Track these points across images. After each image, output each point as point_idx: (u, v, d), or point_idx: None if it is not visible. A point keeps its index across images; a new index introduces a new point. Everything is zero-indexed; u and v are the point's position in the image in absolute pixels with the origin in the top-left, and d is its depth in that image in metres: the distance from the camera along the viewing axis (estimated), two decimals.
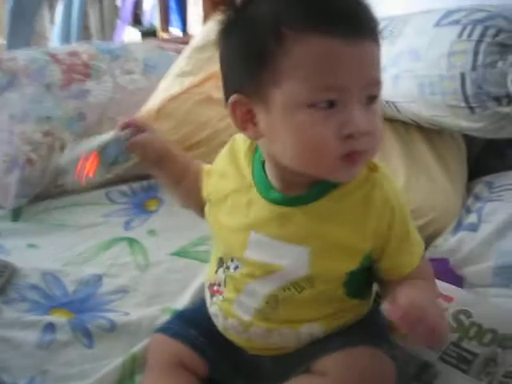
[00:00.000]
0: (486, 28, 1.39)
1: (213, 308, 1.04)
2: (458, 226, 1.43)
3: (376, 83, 0.83)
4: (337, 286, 0.96)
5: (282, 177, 0.92)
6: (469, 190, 1.61)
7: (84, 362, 1.13)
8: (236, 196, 0.97)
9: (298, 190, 0.91)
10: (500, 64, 1.35)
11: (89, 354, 1.15)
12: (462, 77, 1.40)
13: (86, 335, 1.18)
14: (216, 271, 1.03)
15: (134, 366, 1.10)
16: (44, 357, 1.13)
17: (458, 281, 1.26)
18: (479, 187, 1.58)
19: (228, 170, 1.00)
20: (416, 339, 0.84)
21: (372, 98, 0.83)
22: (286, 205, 0.91)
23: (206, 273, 1.10)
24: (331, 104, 0.80)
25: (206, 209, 1.05)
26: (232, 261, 0.99)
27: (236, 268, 0.98)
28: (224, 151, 1.05)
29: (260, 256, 0.94)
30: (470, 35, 1.41)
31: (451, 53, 1.42)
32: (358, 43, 0.79)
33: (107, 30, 3.88)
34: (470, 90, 1.39)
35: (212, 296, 1.05)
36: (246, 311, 0.98)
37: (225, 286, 1.01)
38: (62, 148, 1.67)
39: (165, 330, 1.09)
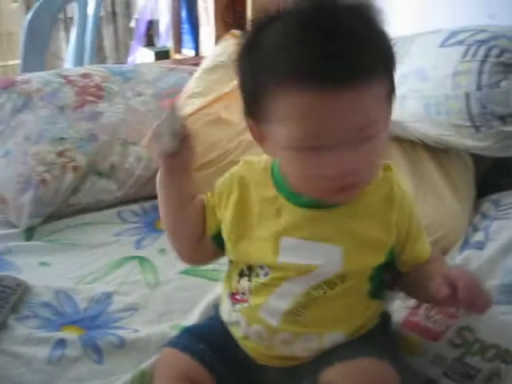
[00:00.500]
0: (490, 48, 1.40)
1: (234, 316, 1.06)
2: (465, 245, 1.43)
3: (367, 126, 0.85)
4: (363, 281, 1.00)
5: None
6: (476, 209, 1.61)
7: (94, 378, 1.14)
8: (260, 209, 1.00)
9: None
10: (504, 83, 1.37)
11: (98, 370, 1.16)
12: (467, 96, 1.41)
13: (96, 351, 1.19)
14: (238, 281, 1.05)
15: (143, 381, 1.11)
16: (54, 372, 1.15)
17: None
18: (486, 205, 1.58)
19: (244, 191, 1.03)
20: (474, 307, 0.89)
21: (366, 138, 0.85)
22: (316, 208, 0.96)
23: (223, 283, 1.12)
24: (316, 148, 0.84)
25: (225, 232, 1.05)
26: (262, 268, 1.01)
27: (266, 274, 1.00)
28: (227, 179, 1.08)
29: (295, 259, 0.97)
30: (474, 55, 1.42)
31: (456, 73, 1.44)
32: (338, 95, 0.81)
33: (121, 50, 3.94)
34: (474, 109, 1.41)
35: (234, 304, 1.06)
36: (274, 315, 1.00)
37: (250, 294, 1.02)
38: (75, 168, 1.69)
39: (174, 344, 1.10)
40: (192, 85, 1.82)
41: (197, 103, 1.72)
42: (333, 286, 0.97)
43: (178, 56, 3.18)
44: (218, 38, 2.75)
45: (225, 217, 1.04)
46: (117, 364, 1.18)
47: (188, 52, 3.16)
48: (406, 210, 0.99)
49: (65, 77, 1.89)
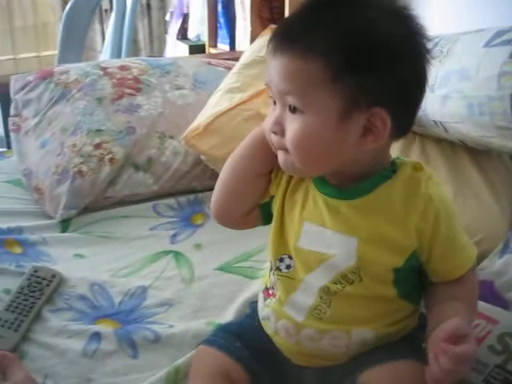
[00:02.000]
0: None
1: (265, 311, 1.06)
2: (506, 249, 1.40)
3: (284, 93, 0.89)
4: (387, 286, 0.98)
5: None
6: None
7: (128, 373, 1.15)
8: (296, 189, 1.01)
9: (349, 184, 0.96)
10: None
11: (133, 365, 1.16)
12: None
13: (131, 346, 1.19)
14: (269, 275, 1.06)
15: (177, 378, 1.11)
16: (89, 365, 1.15)
17: (503, 304, 1.23)
18: None
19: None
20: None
21: (293, 109, 0.89)
22: (337, 197, 0.97)
23: (263, 278, 1.11)
24: (274, 102, 0.92)
25: (275, 202, 1.04)
26: (281, 261, 1.02)
27: (288, 267, 1.01)
28: None
29: (312, 245, 0.98)
30: None
31: (501, 73, 1.41)
32: (275, 57, 0.89)
33: (156, 44, 3.94)
34: None
35: (265, 299, 1.07)
36: (299, 311, 1.00)
37: (279, 287, 1.03)
38: (112, 161, 1.69)
39: (210, 342, 1.10)
40: (230, 80, 1.80)
41: (236, 98, 1.71)
42: (351, 281, 0.97)
43: (212, 50, 3.17)
44: (253, 33, 2.79)
45: (277, 194, 1.04)
46: (152, 359, 1.17)
47: (223, 47, 3.15)
48: (432, 218, 0.93)
49: (103, 68, 1.89)
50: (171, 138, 1.78)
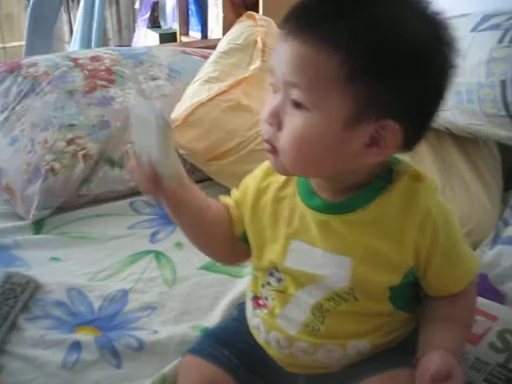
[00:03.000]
0: None
1: (255, 321, 1.01)
2: (496, 239, 1.39)
3: (290, 84, 0.80)
4: (383, 303, 0.92)
5: (316, 181, 0.91)
6: (504, 201, 1.58)
7: (112, 383, 1.09)
8: (277, 206, 0.95)
9: (340, 197, 0.89)
10: None
11: (117, 375, 1.11)
12: (503, 84, 1.36)
13: (114, 354, 1.14)
14: (263, 285, 0.99)
15: None
16: (69, 377, 1.10)
17: (499, 298, 1.21)
18: None
19: (267, 184, 0.97)
20: None
21: (296, 104, 0.81)
22: (327, 212, 0.89)
23: (248, 284, 1.05)
24: (274, 90, 0.84)
25: (246, 224, 0.99)
26: (271, 275, 0.96)
27: (279, 281, 0.95)
28: (259, 171, 1.00)
29: (301, 265, 0.92)
30: (511, 41, 1.36)
31: (491, 59, 1.39)
32: (286, 41, 0.80)
33: (124, 33, 3.86)
34: (510, 97, 1.35)
35: (255, 309, 1.01)
36: (292, 325, 0.95)
37: (272, 300, 0.97)
38: (86, 157, 1.62)
39: (197, 351, 1.05)
40: (208, 69, 1.73)
41: (214, 88, 1.65)
42: (345, 299, 0.91)
43: (184, 38, 3.11)
44: (226, 20, 2.76)
45: (246, 225, 0.99)
46: (136, 368, 1.12)
47: (195, 34, 3.09)
48: (429, 233, 0.86)
49: (73, 60, 1.81)
50: None
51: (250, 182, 1.00)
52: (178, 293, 1.32)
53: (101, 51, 1.88)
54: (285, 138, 0.82)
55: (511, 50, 1.35)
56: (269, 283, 0.97)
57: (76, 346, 1.15)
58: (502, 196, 1.60)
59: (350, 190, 0.88)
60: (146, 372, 1.10)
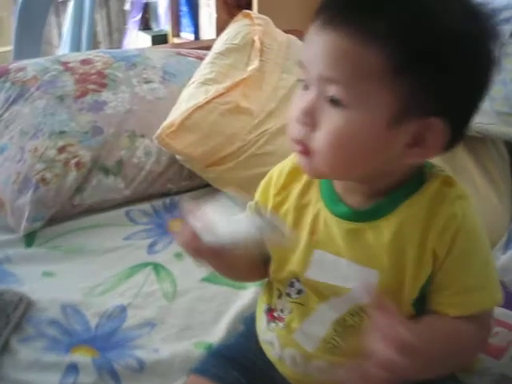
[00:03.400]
0: None
1: (268, 335, 0.95)
2: (509, 243, 1.34)
3: (327, 80, 0.75)
4: (407, 314, 0.85)
5: (344, 185, 0.86)
6: None
7: None
8: (299, 213, 0.90)
9: (367, 202, 0.84)
10: None
11: None
12: None
13: (113, 376, 1.08)
14: (279, 296, 0.94)
15: None
16: None
17: None
18: None
19: (288, 190, 0.92)
20: None
21: (333, 101, 0.75)
22: (355, 220, 0.84)
23: (261, 295, 1.01)
24: (305, 86, 0.79)
25: None
26: (292, 286, 0.91)
27: (299, 292, 0.90)
28: (278, 175, 0.94)
29: (324, 277, 0.87)
30: None
31: (502, 54, 1.31)
32: (323, 33, 0.75)
33: (115, 35, 3.79)
34: None
35: (269, 322, 0.95)
36: (310, 341, 0.90)
37: (289, 313, 0.92)
38: (78, 165, 1.55)
39: (202, 371, 1.00)
40: (204, 70, 1.67)
41: (211, 90, 1.58)
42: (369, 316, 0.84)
43: (176, 40, 3.05)
44: (219, 20, 2.71)
45: None
46: None
47: (187, 36, 3.03)
48: (449, 237, 0.80)
49: (63, 63, 1.73)
50: (142, 136, 1.64)
51: (268, 187, 0.95)
52: (179, 307, 1.26)
53: (92, 54, 1.80)
54: (323, 139, 0.76)
55: None
56: (288, 294, 0.91)
57: (73, 368, 1.08)
58: None
59: (380, 195, 0.83)
60: None
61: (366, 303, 0.81)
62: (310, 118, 0.77)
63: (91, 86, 1.67)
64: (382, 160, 0.78)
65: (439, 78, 0.74)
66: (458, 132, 0.79)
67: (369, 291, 0.79)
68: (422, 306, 0.86)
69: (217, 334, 1.18)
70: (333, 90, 0.74)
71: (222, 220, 0.81)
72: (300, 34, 1.91)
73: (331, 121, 0.75)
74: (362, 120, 0.75)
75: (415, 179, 0.83)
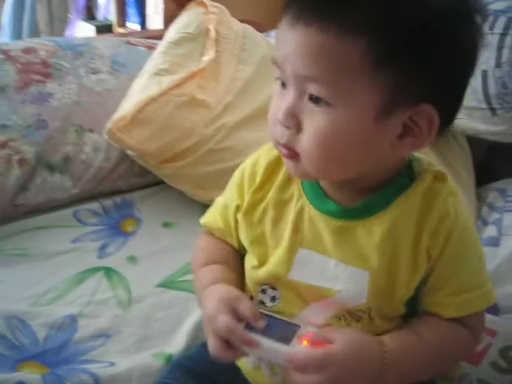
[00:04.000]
0: (510, 19, 1.29)
1: None
2: None
3: (306, 79, 0.73)
4: (398, 317, 0.84)
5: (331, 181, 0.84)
6: (479, 198, 1.52)
7: None
8: (280, 210, 0.86)
9: (355, 199, 0.82)
10: None
11: None
12: (484, 75, 1.31)
13: None
14: None
15: None
16: None
17: (493, 309, 1.11)
18: (492, 195, 1.50)
19: (262, 189, 0.89)
20: None
21: (314, 99, 0.73)
22: (344, 217, 0.82)
23: None
24: (283, 84, 0.77)
25: (240, 230, 0.91)
26: (264, 292, 0.87)
27: (273, 299, 0.86)
28: (250, 170, 0.91)
29: (309, 278, 0.83)
30: (491, 28, 1.31)
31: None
32: (295, 29, 0.72)
33: (56, 25, 3.66)
34: (492, 89, 1.31)
35: None
36: None
37: None
38: (22, 162, 1.44)
39: None
40: (156, 60, 1.58)
41: (165, 81, 1.49)
42: (358, 318, 0.82)
43: (122, 31, 2.96)
44: (166, 10, 2.63)
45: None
46: None
47: (133, 26, 2.94)
48: (442, 237, 0.79)
49: (4, 52, 1.61)
50: (90, 131, 1.55)
51: (241, 184, 0.91)
52: (135, 316, 1.19)
53: (35, 42, 1.70)
54: (308, 140, 0.74)
55: (494, 38, 1.28)
56: (262, 302, 0.87)
57: None
58: (476, 192, 1.54)
59: (369, 191, 0.81)
60: None
61: (353, 307, 0.80)
62: (293, 120, 0.74)
63: (35, 77, 1.57)
64: (374, 156, 0.76)
65: (424, 63, 0.71)
66: (448, 116, 0.77)
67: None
68: (414, 305, 0.84)
69: (177, 343, 1.11)
70: (313, 89, 0.72)
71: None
72: (255, 25, 1.86)
73: (315, 121, 0.73)
74: (347, 117, 0.72)
75: (405, 175, 0.81)
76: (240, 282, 0.90)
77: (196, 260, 0.96)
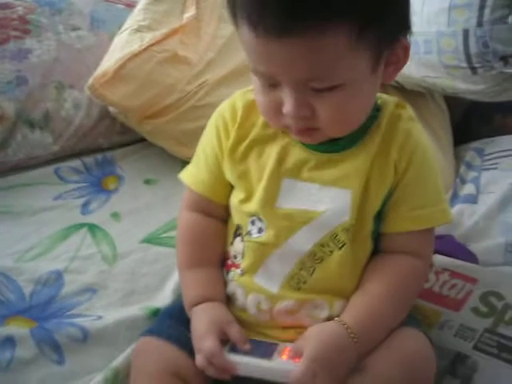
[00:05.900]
0: None
1: (230, 287, 0.95)
2: (455, 198, 1.35)
3: (315, 80, 0.79)
4: (367, 245, 0.92)
5: None
6: (457, 157, 1.54)
7: (54, 383, 0.97)
8: (263, 144, 0.93)
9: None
10: (510, 19, 1.23)
11: (59, 372, 0.98)
12: (465, 33, 1.29)
13: (54, 348, 1.00)
14: (232, 242, 0.96)
15: (117, 382, 0.97)
16: (5, 380, 0.96)
17: (473, 259, 1.16)
18: (470, 155, 1.50)
19: (245, 124, 0.95)
20: None
21: (320, 90, 0.80)
22: (329, 151, 0.90)
23: None
24: (274, 85, 0.82)
25: (226, 168, 0.95)
26: (253, 224, 0.92)
27: (260, 230, 0.91)
28: (230, 111, 0.96)
29: (295, 203, 0.90)
30: None
31: (452, 6, 1.31)
32: (279, 43, 0.75)
33: None
34: (473, 48, 1.29)
35: (228, 272, 0.96)
36: (273, 280, 0.91)
37: (242, 257, 0.93)
38: (1, 119, 1.43)
39: (155, 331, 0.95)
40: (137, 17, 1.55)
41: (147, 38, 1.47)
42: (341, 244, 0.89)
43: None
44: None
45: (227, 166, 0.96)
46: (82, 362, 1.00)
47: None
48: (407, 154, 0.88)
49: None
50: (71, 87, 1.53)
51: (225, 125, 0.96)
52: (121, 271, 1.19)
53: None
54: (328, 116, 0.81)
55: None
56: (249, 233, 0.92)
57: (9, 341, 0.99)
58: (454, 152, 1.55)
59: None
60: (94, 366, 0.99)
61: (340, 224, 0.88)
62: (307, 108, 0.81)
63: (13, 33, 1.53)
64: (373, 101, 0.88)
65: (391, 16, 0.79)
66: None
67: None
68: (378, 243, 0.92)
69: (163, 298, 1.12)
70: (316, 84, 0.78)
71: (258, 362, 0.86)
72: None
73: (327, 102, 0.80)
74: (353, 88, 0.80)
75: (373, 108, 0.89)
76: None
77: (181, 253, 1.00)
